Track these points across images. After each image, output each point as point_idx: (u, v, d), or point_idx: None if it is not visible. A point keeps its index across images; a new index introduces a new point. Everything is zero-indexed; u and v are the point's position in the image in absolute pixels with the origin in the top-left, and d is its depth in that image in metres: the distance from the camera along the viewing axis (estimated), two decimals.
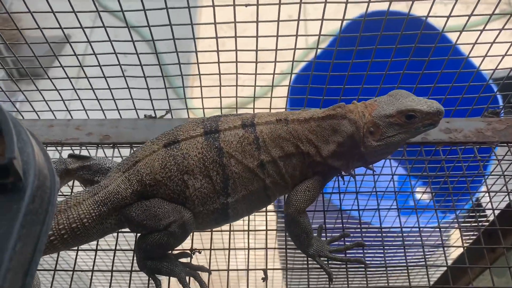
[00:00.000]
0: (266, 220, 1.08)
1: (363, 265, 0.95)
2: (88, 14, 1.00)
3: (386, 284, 0.98)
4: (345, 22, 1.00)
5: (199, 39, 1.09)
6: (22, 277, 0.43)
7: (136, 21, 1.03)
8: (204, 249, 1.01)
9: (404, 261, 0.98)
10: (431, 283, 1.37)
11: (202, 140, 0.92)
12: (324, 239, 0.99)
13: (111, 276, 0.97)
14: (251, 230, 1.06)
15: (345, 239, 1.00)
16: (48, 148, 1.19)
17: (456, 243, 1.70)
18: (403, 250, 1.01)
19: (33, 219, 0.44)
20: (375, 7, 1.02)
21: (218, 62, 1.07)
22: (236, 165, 0.91)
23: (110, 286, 0.95)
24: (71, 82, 1.13)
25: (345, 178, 1.11)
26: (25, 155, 0.45)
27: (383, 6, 1.04)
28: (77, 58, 1.07)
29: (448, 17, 0.96)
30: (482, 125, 1.14)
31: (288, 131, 0.93)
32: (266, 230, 1.05)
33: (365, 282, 0.97)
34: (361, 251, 1.01)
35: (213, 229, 0.99)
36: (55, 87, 1.13)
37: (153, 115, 1.22)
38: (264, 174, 0.93)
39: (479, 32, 1.00)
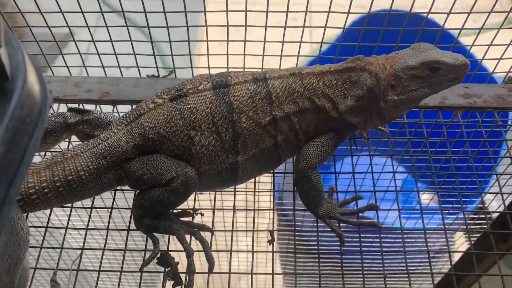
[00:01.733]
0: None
1: (376, 229, 0.89)
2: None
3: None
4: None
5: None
6: (6, 186, 0.40)
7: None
8: (206, 209, 0.94)
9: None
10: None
11: (211, 95, 0.86)
12: (335, 201, 0.93)
13: (106, 236, 0.91)
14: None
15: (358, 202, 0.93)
16: None
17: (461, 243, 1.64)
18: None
19: (20, 127, 0.42)
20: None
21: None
22: (246, 121, 0.85)
23: (104, 246, 0.89)
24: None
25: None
26: (15, 61, 0.43)
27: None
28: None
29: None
30: (503, 91, 1.08)
31: (303, 85, 0.87)
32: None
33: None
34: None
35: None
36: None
37: (156, 74, 1.16)
38: (276, 131, 0.86)
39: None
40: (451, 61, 0.84)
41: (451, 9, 1.00)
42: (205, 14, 1.05)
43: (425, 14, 1.01)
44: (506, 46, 1.04)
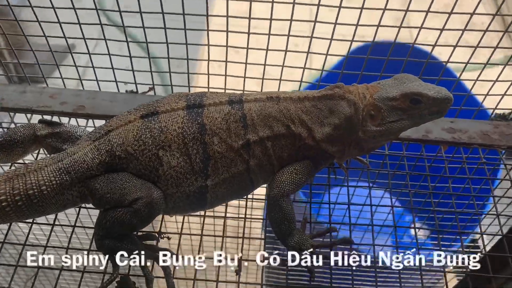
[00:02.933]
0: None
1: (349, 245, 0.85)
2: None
3: None
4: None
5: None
6: None
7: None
8: (173, 233, 0.90)
9: None
10: None
11: (184, 114, 0.83)
12: (308, 232, 0.89)
13: (66, 253, 0.86)
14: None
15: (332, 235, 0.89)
16: (17, 115, 1.09)
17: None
18: None
19: None
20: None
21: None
22: (219, 143, 0.82)
23: (62, 267, 0.84)
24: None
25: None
26: None
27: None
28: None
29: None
30: (488, 127, 1.05)
31: (279, 109, 0.84)
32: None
33: None
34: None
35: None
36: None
37: (135, 90, 1.13)
38: (249, 155, 0.83)
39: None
40: (433, 94, 0.81)
41: (436, 42, 0.98)
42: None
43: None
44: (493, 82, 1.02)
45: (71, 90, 1.10)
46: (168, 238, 0.91)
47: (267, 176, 0.86)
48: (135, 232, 0.86)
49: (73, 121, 1.08)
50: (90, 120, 1.08)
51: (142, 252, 0.82)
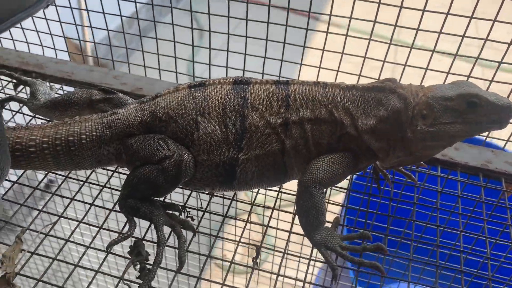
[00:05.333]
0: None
1: (379, 273, 0.76)
2: None
3: None
4: None
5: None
6: None
7: None
8: (199, 209, 0.87)
9: None
10: None
11: (229, 88, 0.84)
12: (339, 233, 0.81)
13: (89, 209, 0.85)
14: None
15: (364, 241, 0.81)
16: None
17: None
18: None
19: None
20: None
21: None
22: (257, 118, 0.81)
23: (82, 218, 0.83)
24: None
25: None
26: None
27: None
28: None
29: None
30: None
31: (325, 94, 0.82)
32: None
33: None
34: None
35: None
36: None
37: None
38: (285, 135, 0.81)
39: None
40: (493, 100, 0.75)
41: None
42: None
43: None
44: None
45: (134, 75, 1.16)
46: (192, 219, 0.88)
47: (302, 164, 0.82)
48: (160, 199, 0.84)
49: None
50: None
51: (162, 216, 0.79)
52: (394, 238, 0.86)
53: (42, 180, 0.94)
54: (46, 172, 0.92)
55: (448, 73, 0.98)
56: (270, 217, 0.85)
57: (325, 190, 0.82)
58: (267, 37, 1.05)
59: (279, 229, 0.87)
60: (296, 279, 0.80)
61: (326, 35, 1.02)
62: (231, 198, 0.90)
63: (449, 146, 0.81)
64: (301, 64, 1.10)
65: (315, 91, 0.82)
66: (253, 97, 0.82)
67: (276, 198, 0.89)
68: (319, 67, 1.07)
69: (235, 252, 0.79)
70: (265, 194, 0.99)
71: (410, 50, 0.97)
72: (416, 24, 0.94)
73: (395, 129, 0.79)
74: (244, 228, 0.83)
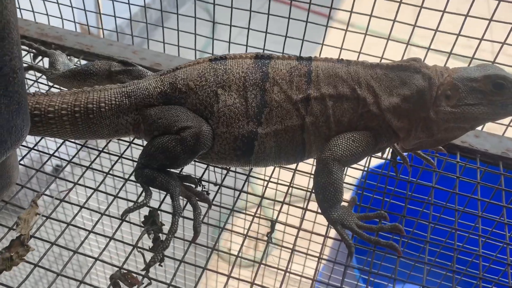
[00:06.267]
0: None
1: (395, 253, 0.75)
2: None
3: None
4: None
5: None
6: None
7: None
8: (215, 183, 0.86)
9: None
10: None
11: (251, 62, 0.83)
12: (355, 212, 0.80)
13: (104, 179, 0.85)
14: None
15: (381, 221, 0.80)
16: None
17: None
18: None
19: None
20: None
21: None
22: (278, 93, 0.80)
23: (98, 186, 0.83)
24: None
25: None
26: None
27: None
28: None
29: None
30: None
31: (348, 71, 0.81)
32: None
33: None
34: None
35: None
36: None
37: None
38: (306, 111, 0.80)
39: None
40: None
41: None
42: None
43: None
44: None
45: (153, 51, 1.15)
46: (207, 193, 0.87)
47: (320, 141, 0.81)
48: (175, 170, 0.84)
49: None
50: None
51: (178, 186, 0.79)
52: (412, 218, 0.85)
53: (60, 146, 0.93)
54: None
55: None
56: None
57: (343, 168, 0.81)
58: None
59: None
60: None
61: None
62: (246, 174, 0.89)
63: (471, 130, 0.80)
64: None
65: (338, 67, 0.82)
66: (274, 72, 0.81)
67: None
68: None
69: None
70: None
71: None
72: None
73: (418, 109, 0.78)
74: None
